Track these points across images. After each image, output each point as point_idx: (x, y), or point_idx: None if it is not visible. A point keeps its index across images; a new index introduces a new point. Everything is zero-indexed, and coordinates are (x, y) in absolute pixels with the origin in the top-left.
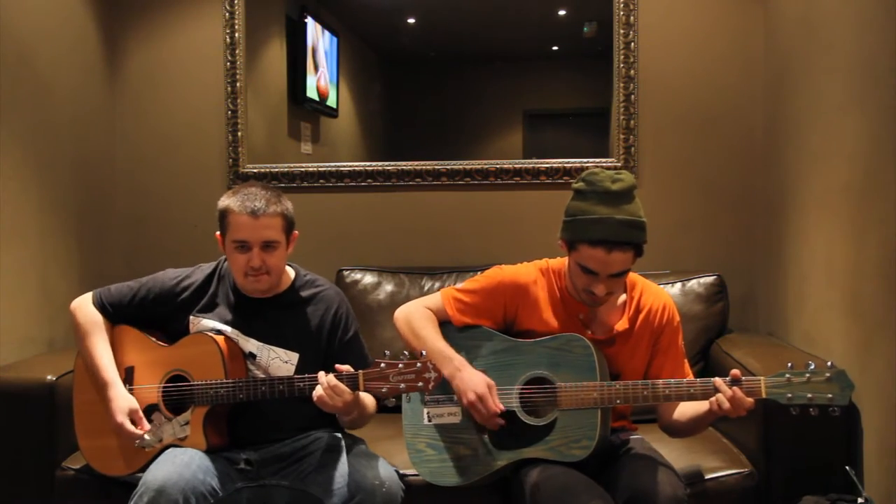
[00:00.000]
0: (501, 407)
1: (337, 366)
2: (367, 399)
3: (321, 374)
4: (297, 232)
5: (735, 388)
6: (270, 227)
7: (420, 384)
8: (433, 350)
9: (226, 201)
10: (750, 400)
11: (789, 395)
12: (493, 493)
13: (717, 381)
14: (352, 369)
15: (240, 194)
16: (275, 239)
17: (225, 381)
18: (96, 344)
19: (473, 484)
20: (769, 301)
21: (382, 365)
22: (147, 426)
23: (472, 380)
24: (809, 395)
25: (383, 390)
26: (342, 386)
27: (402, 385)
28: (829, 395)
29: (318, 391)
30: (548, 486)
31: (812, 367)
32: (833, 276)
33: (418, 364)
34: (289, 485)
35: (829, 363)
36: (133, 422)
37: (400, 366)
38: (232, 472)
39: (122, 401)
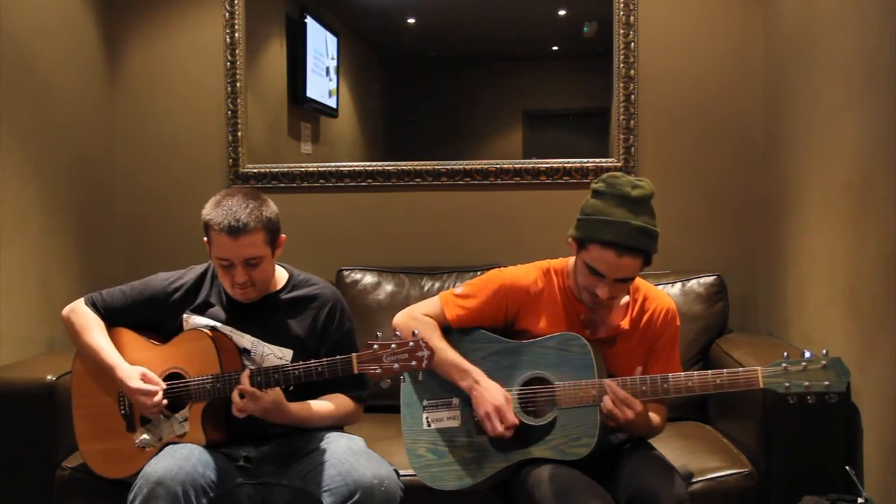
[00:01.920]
0: (516, 420)
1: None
2: (321, 407)
3: (244, 374)
4: (283, 236)
5: (609, 382)
6: (252, 244)
7: (413, 363)
8: (447, 362)
9: (209, 213)
10: (624, 393)
11: (787, 385)
12: (492, 493)
13: (608, 381)
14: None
15: (221, 207)
16: (257, 255)
17: (220, 374)
18: (95, 337)
19: (475, 487)
20: (769, 301)
21: (375, 346)
22: (163, 384)
23: (491, 393)
24: (806, 384)
25: (377, 371)
26: (254, 390)
27: (396, 365)
28: (826, 383)
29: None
30: (548, 486)
31: (808, 355)
32: (833, 276)
33: (411, 343)
34: (288, 483)
35: (824, 351)
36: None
37: (393, 346)
38: (231, 468)
39: (131, 370)
